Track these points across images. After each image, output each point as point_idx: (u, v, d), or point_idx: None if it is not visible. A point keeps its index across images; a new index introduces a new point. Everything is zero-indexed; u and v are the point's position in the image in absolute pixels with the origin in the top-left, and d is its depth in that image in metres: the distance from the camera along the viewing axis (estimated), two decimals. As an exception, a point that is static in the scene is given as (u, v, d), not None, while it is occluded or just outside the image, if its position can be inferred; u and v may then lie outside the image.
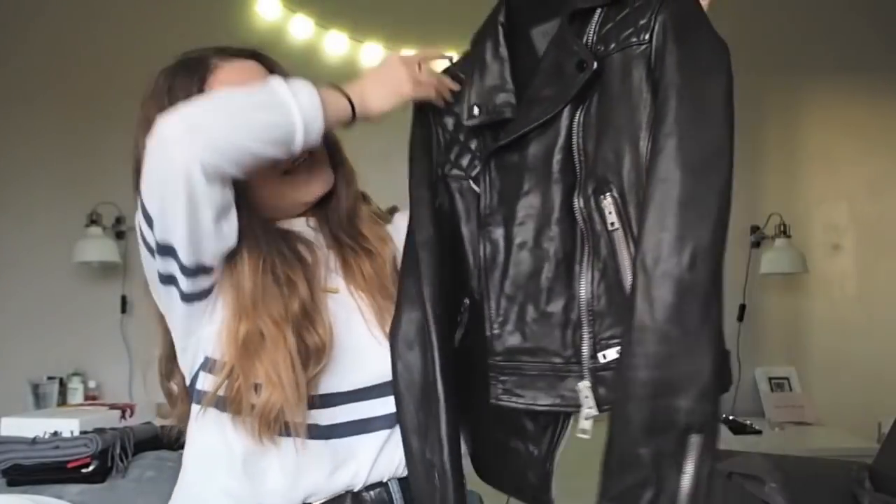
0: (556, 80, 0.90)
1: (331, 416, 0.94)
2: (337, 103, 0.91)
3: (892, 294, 3.14)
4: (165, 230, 0.86)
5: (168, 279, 0.91)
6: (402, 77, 0.96)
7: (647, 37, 0.85)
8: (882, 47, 3.18)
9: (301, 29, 3.14)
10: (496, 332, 0.94)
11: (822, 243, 3.18)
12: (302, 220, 1.02)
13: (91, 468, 1.71)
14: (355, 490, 0.95)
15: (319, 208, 1.03)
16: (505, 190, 0.94)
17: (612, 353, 0.85)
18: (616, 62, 0.87)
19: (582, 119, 0.89)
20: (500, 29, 0.99)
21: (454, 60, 1.06)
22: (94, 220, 3.02)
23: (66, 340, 3.07)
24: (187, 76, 0.95)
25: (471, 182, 1.00)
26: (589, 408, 0.87)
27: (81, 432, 1.77)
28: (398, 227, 1.06)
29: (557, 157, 0.90)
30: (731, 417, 2.93)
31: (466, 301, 1.01)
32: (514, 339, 0.93)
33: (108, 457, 1.75)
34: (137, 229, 0.91)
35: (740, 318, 3.12)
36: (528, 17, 1.02)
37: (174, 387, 1.04)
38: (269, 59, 1.02)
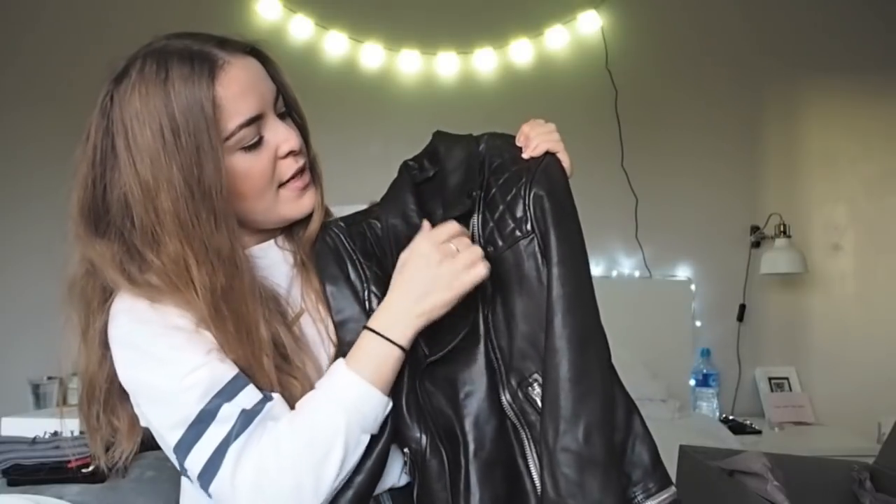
0: None
1: None
2: (387, 366, 0.86)
3: (892, 294, 3.15)
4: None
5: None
6: (446, 274, 0.86)
7: (528, 227, 0.90)
8: (882, 48, 3.18)
9: (301, 29, 3.14)
10: None
11: (822, 243, 3.18)
12: (271, 243, 0.99)
13: (91, 468, 1.71)
14: None
15: (290, 226, 0.99)
16: (445, 398, 0.91)
17: None
18: (509, 259, 0.91)
19: (491, 319, 0.91)
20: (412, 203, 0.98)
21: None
22: (94, 220, 3.01)
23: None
24: (188, 67, 0.87)
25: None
26: None
27: (81, 432, 1.76)
28: None
29: (480, 359, 0.90)
30: (731, 417, 2.94)
31: None
32: None
33: (108, 456, 1.74)
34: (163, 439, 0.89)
35: (740, 318, 3.13)
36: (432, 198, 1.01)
37: (118, 422, 0.99)
38: (266, 55, 0.96)
